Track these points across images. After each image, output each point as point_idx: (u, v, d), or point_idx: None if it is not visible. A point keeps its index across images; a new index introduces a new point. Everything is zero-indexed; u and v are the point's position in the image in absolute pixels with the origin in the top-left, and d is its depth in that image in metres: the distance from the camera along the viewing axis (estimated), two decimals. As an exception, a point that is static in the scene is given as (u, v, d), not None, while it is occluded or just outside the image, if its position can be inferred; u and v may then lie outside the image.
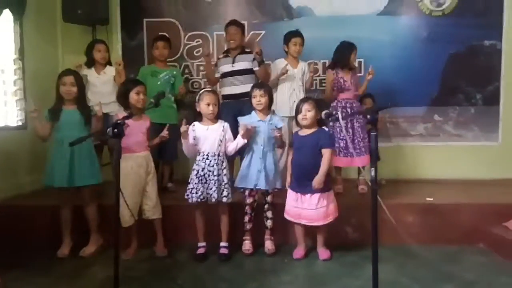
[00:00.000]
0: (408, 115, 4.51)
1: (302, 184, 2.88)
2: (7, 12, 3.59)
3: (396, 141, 4.48)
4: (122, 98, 2.99)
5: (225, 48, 4.01)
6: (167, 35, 4.17)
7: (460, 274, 2.65)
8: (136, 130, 2.92)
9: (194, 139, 2.93)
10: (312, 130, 2.92)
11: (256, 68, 3.71)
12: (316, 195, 2.85)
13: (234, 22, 3.84)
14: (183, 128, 2.84)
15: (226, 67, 3.79)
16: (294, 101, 3.64)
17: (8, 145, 3.63)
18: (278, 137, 2.96)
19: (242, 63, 3.74)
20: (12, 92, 3.80)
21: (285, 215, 2.98)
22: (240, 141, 2.92)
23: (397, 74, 4.41)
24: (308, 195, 2.86)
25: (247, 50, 3.86)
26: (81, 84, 3.05)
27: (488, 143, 4.48)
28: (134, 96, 2.94)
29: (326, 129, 2.98)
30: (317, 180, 2.80)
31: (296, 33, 3.76)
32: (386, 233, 2.83)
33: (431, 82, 4.47)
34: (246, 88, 3.46)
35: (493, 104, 4.47)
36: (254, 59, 3.73)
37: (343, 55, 3.75)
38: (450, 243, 3.14)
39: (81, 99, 3.05)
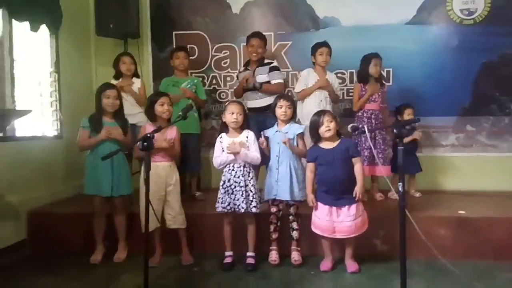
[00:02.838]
0: (439, 125, 4.41)
1: (337, 197, 2.82)
2: (43, 27, 3.76)
3: (427, 152, 4.38)
4: (149, 110, 3.09)
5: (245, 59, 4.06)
6: (185, 46, 4.26)
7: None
8: (158, 140, 2.96)
9: (222, 150, 2.97)
10: (337, 141, 2.89)
11: (275, 81, 3.73)
12: (354, 206, 2.81)
13: (257, 34, 3.85)
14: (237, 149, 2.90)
15: None
16: None
17: (45, 154, 3.78)
18: (287, 145, 2.94)
19: (262, 76, 3.76)
20: (48, 103, 3.97)
21: (314, 229, 2.93)
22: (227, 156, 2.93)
23: (427, 83, 4.35)
24: (346, 208, 2.81)
25: (266, 61, 3.87)
26: (121, 97, 3.19)
27: (523, 154, 4.32)
28: (158, 108, 3.02)
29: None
30: (360, 190, 2.81)
31: (323, 44, 3.77)
32: (416, 247, 2.77)
33: (462, 91, 4.36)
34: (269, 100, 3.47)
35: (528, 114, 4.32)
36: (270, 70, 3.76)
37: (361, 69, 3.86)
38: (483, 259, 3.04)
39: (120, 112, 3.17)
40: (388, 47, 4.27)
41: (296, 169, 3.03)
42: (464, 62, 4.34)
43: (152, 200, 2.90)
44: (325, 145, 2.90)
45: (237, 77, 3.97)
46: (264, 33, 3.93)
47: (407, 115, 3.91)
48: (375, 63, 3.79)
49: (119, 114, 3.16)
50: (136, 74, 3.92)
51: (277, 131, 3.05)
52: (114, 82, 3.78)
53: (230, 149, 2.91)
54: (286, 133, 3.02)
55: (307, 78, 3.77)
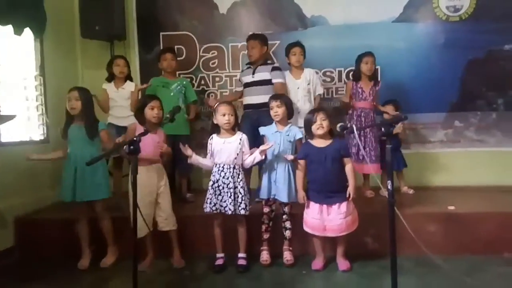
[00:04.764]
0: (427, 121, 4.44)
1: (327, 196, 2.83)
2: (27, 31, 3.69)
3: (415, 148, 4.41)
4: (138, 113, 3.03)
5: (244, 59, 4.10)
6: (173, 47, 4.25)
7: (484, 285, 2.58)
8: (148, 143, 2.93)
9: (211, 153, 2.95)
10: (330, 140, 2.89)
11: (275, 80, 3.73)
12: (344, 204, 2.82)
13: (251, 36, 3.88)
14: (190, 159, 2.93)
15: (247, 78, 3.85)
16: (299, 112, 3.68)
17: (31, 159, 3.72)
18: (290, 161, 2.97)
19: (262, 74, 3.77)
20: (34, 108, 3.91)
21: (305, 228, 2.93)
22: (257, 156, 2.90)
23: (415, 81, 4.37)
24: (336, 206, 2.82)
25: (269, 61, 3.91)
26: (86, 99, 3.05)
27: (511, 148, 4.36)
28: (148, 111, 2.98)
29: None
30: (353, 190, 2.82)
31: (295, 44, 3.81)
32: (407, 244, 2.74)
33: (450, 88, 4.39)
34: (265, 98, 3.48)
35: (516, 108, 4.35)
36: (272, 70, 3.76)
37: (355, 68, 3.93)
38: (473, 253, 3.06)
39: (86, 115, 3.05)
40: (376, 45, 4.26)
41: (293, 171, 3.02)
42: (451, 59, 4.36)
43: (144, 204, 2.85)
44: (317, 143, 2.89)
45: (240, 80, 3.98)
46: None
47: (389, 111, 3.93)
48: (366, 61, 3.83)
49: (85, 117, 3.04)
50: (129, 78, 3.87)
51: (276, 131, 3.03)
52: (106, 84, 3.76)
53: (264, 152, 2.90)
54: (288, 135, 3.01)
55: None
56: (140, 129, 2.88)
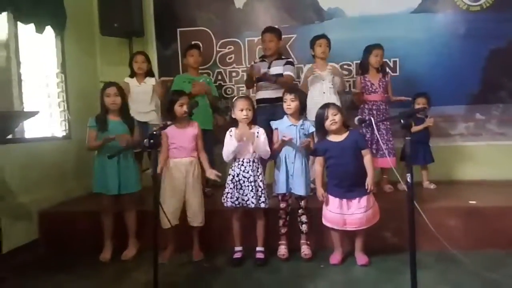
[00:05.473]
0: (447, 114, 4.35)
1: (348, 190, 2.82)
2: (48, 29, 3.78)
3: (435, 142, 4.33)
4: (167, 109, 3.07)
5: (260, 54, 4.09)
6: (199, 43, 4.27)
7: (506, 281, 2.53)
8: (181, 137, 3.02)
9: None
10: (345, 133, 2.88)
11: (286, 73, 3.72)
12: (365, 198, 2.80)
13: (268, 29, 3.87)
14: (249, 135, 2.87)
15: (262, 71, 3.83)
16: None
17: (55, 154, 3.82)
18: (307, 145, 2.96)
19: (277, 68, 3.77)
20: (56, 104, 4.00)
21: (324, 222, 2.93)
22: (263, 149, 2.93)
23: (435, 72, 4.29)
24: (356, 200, 2.80)
25: (283, 56, 3.90)
26: (123, 95, 3.19)
27: (535, 141, 4.25)
28: (178, 109, 3.01)
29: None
30: (372, 181, 2.80)
31: (321, 36, 3.78)
32: (427, 238, 2.73)
33: (471, 79, 4.29)
34: (281, 92, 3.49)
35: (539, 100, 4.24)
36: (285, 64, 3.75)
37: (362, 59, 3.89)
38: (494, 248, 3.00)
39: (125, 110, 3.18)
40: (394, 37, 4.24)
41: (308, 165, 3.04)
42: (471, 49, 4.27)
43: (171, 198, 2.96)
44: (334, 138, 2.88)
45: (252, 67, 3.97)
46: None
47: (418, 104, 3.86)
48: (376, 54, 3.80)
49: (123, 112, 3.18)
50: (150, 73, 3.91)
51: (291, 124, 3.04)
52: (128, 79, 3.80)
53: (245, 135, 2.86)
54: (303, 128, 3.01)
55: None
56: (172, 128, 2.94)
